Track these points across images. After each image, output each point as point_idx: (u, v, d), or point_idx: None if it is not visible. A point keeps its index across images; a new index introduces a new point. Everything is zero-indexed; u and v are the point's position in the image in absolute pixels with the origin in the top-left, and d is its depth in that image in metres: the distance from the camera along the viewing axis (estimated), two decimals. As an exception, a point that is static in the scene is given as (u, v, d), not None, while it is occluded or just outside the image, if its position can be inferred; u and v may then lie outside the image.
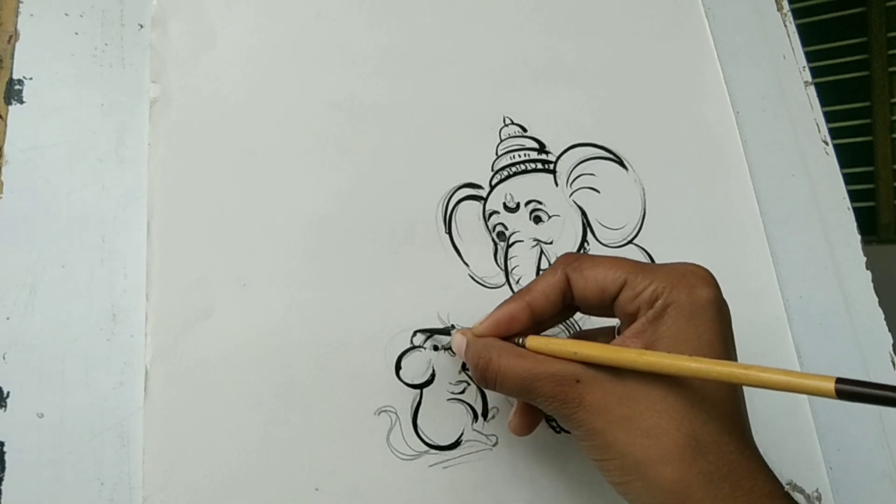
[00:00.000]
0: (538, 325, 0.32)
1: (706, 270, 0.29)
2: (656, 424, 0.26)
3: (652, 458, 0.26)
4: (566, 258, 0.31)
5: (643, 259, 0.41)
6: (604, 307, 0.30)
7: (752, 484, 0.26)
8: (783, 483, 0.28)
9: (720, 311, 0.28)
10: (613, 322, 0.32)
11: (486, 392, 0.36)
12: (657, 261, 0.41)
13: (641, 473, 0.26)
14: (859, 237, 0.45)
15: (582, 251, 0.40)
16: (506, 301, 0.32)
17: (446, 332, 0.36)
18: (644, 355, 0.26)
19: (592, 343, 0.28)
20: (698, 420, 0.26)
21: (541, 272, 0.39)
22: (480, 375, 0.31)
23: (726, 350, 0.28)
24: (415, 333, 0.36)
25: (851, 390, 0.22)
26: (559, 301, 0.31)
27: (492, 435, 0.35)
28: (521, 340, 0.31)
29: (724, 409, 0.27)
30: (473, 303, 0.37)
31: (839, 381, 0.22)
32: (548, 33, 0.44)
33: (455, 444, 0.35)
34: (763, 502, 0.26)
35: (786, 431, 0.39)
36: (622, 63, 0.45)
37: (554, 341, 0.29)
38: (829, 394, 0.22)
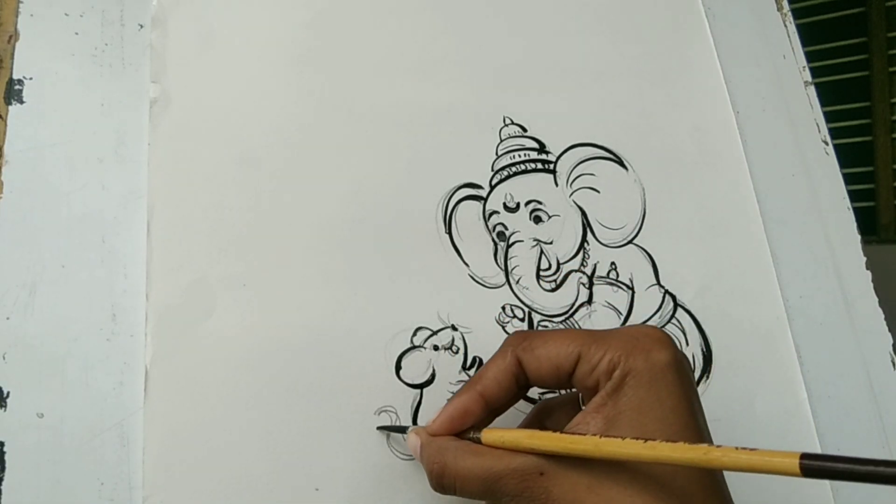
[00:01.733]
0: (494, 412, 0.31)
1: (661, 332, 0.28)
2: None
3: None
4: (515, 338, 0.30)
5: (644, 259, 0.41)
6: (561, 384, 0.29)
7: None
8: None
9: (680, 373, 0.27)
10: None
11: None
12: (658, 262, 0.41)
13: None
14: (859, 237, 0.45)
15: (582, 251, 0.40)
16: (458, 393, 0.30)
17: (401, 430, 0.34)
18: (601, 445, 0.25)
19: (548, 433, 0.27)
20: (671, 501, 0.25)
21: (541, 273, 0.39)
22: (437, 483, 0.29)
23: (692, 415, 0.27)
24: (415, 332, 0.36)
25: (817, 466, 0.20)
26: (513, 386, 0.30)
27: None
28: (475, 435, 0.29)
29: (695, 487, 0.26)
30: (473, 303, 0.37)
31: (804, 456, 0.21)
32: (548, 33, 0.44)
33: (455, 444, 0.35)
34: None
35: (786, 431, 0.39)
36: (622, 63, 0.45)
37: (509, 434, 0.28)
38: (793, 472, 0.21)
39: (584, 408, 0.28)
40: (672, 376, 0.27)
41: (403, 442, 0.34)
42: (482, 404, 0.30)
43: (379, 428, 0.34)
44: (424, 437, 0.30)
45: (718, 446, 0.23)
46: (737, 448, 0.22)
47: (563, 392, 0.35)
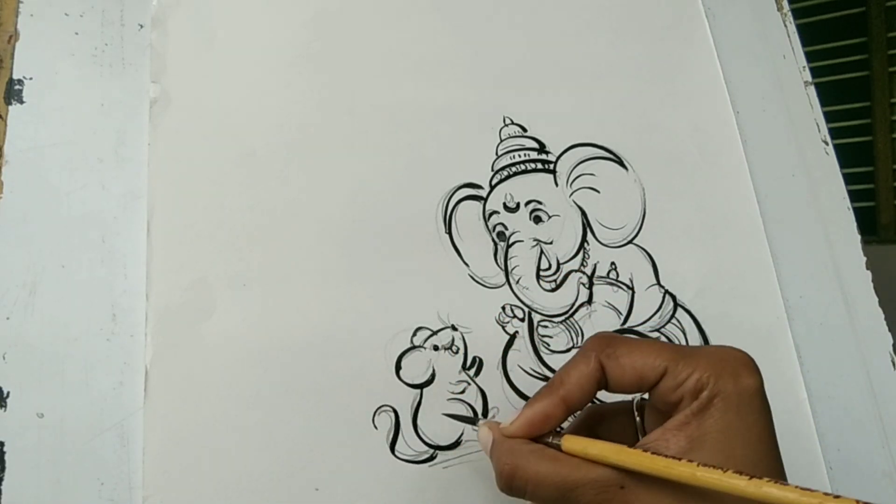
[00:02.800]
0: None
1: (748, 356, 0.28)
2: None
3: None
4: (598, 342, 0.29)
5: (644, 259, 0.41)
6: (639, 394, 0.29)
7: None
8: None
9: (764, 402, 0.27)
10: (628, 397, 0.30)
11: (487, 392, 0.36)
12: (658, 262, 0.41)
13: None
14: (859, 237, 0.45)
15: (582, 251, 0.40)
16: (538, 396, 0.29)
17: (472, 421, 0.33)
18: (699, 474, 0.24)
19: (637, 452, 0.26)
20: None
21: (541, 273, 0.39)
22: (506, 484, 0.28)
23: (774, 445, 0.27)
24: (415, 332, 0.36)
25: None
26: (594, 392, 0.29)
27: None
28: (554, 441, 0.29)
29: None
30: (473, 303, 0.37)
31: None
32: (548, 33, 0.44)
33: (455, 444, 0.35)
34: None
35: (786, 431, 0.39)
36: (622, 63, 0.45)
37: (594, 445, 0.27)
38: None
39: (658, 423, 0.27)
40: (759, 403, 0.27)
41: (403, 442, 0.34)
42: (563, 409, 0.29)
43: (446, 414, 0.34)
44: (497, 434, 0.30)
45: (836, 496, 0.22)
46: (857, 502, 0.22)
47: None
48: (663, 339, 0.39)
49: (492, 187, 0.40)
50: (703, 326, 0.40)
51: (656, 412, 0.29)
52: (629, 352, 0.29)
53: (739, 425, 0.26)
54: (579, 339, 0.38)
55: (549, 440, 0.29)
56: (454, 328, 0.37)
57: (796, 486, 0.23)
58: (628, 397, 0.31)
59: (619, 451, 0.26)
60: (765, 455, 0.26)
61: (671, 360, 0.27)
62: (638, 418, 0.31)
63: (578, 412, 0.32)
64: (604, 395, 0.30)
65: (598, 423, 0.32)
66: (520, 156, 0.41)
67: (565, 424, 0.30)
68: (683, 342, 0.39)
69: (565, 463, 0.27)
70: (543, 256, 0.39)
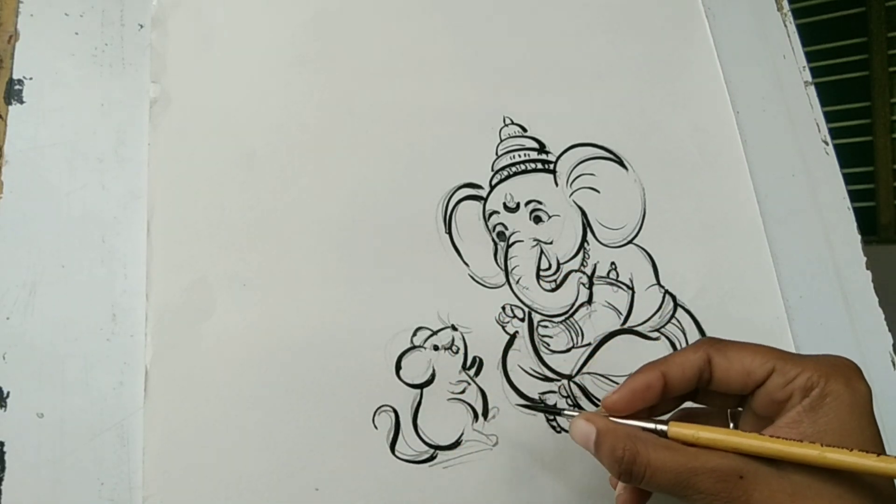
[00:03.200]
0: (653, 407, 0.30)
1: (856, 365, 0.28)
2: None
3: None
4: (708, 339, 0.30)
5: (644, 259, 0.41)
6: (741, 392, 0.29)
7: None
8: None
9: (872, 406, 0.27)
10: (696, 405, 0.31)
11: (487, 392, 0.36)
12: (658, 262, 0.41)
13: None
14: (859, 237, 0.45)
15: (582, 251, 0.40)
16: (640, 370, 0.30)
17: (557, 411, 0.33)
18: (826, 453, 0.25)
19: (754, 435, 0.26)
20: None
21: (541, 273, 0.39)
22: (626, 469, 0.28)
23: (883, 448, 0.27)
24: (415, 332, 0.36)
25: None
26: (694, 379, 0.29)
27: (492, 435, 0.35)
28: (658, 428, 0.29)
29: None
30: (473, 303, 0.37)
31: None
32: (548, 33, 0.44)
33: (455, 444, 0.35)
34: None
35: (786, 431, 0.39)
36: (622, 63, 0.45)
37: (706, 429, 0.27)
38: None
39: (774, 424, 0.28)
40: (870, 408, 0.27)
41: (403, 442, 0.34)
42: (663, 384, 0.29)
43: (527, 406, 0.34)
44: (604, 424, 0.29)
45: None
46: None
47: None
48: (664, 339, 0.39)
49: (492, 187, 0.40)
50: (703, 326, 0.40)
51: (755, 418, 0.29)
52: (738, 349, 0.29)
53: (854, 426, 0.26)
54: (579, 338, 0.38)
55: (656, 427, 0.29)
56: (454, 328, 0.37)
57: None
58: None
59: (736, 435, 0.27)
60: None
61: (779, 360, 0.28)
62: (731, 424, 0.30)
63: (671, 414, 0.32)
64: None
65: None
66: (520, 156, 0.41)
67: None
68: (683, 342, 0.39)
69: (684, 452, 0.27)
70: (543, 256, 0.39)
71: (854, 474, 0.26)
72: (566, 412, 0.32)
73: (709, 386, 0.30)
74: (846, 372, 0.27)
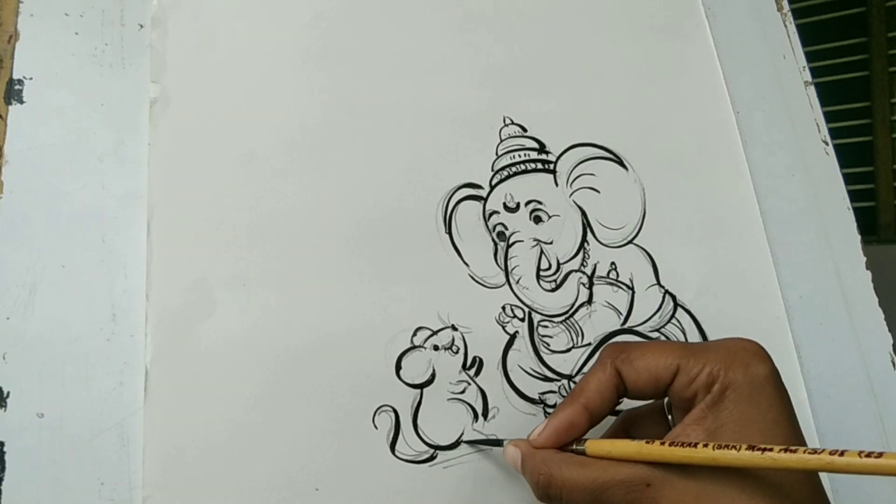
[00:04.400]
0: (593, 423, 0.31)
1: (758, 345, 0.29)
2: None
3: None
4: (612, 350, 0.31)
5: (644, 259, 0.41)
6: (658, 395, 0.30)
7: None
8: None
9: (778, 387, 0.28)
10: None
11: (487, 392, 0.36)
12: (658, 262, 0.41)
13: None
14: (859, 237, 0.45)
15: (582, 251, 0.40)
16: (561, 406, 0.31)
17: (497, 443, 0.34)
18: (717, 457, 0.25)
19: (657, 445, 0.27)
20: None
21: (541, 273, 0.39)
22: (543, 493, 0.29)
23: (792, 426, 0.27)
24: (415, 332, 0.36)
25: None
26: (614, 398, 0.30)
27: (492, 435, 0.35)
28: (579, 447, 0.30)
29: (803, 494, 0.26)
30: (473, 303, 0.37)
31: None
32: (548, 33, 0.44)
33: (455, 444, 0.35)
34: None
35: (786, 431, 0.39)
36: (622, 63, 0.45)
37: (618, 444, 0.28)
38: None
39: (681, 420, 0.28)
40: (771, 389, 0.27)
41: (403, 442, 0.34)
42: (587, 417, 0.30)
43: (466, 442, 0.35)
44: (526, 449, 0.31)
45: (840, 452, 0.23)
46: (860, 454, 0.23)
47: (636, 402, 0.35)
48: (663, 339, 0.39)
49: (492, 187, 0.40)
50: (703, 326, 0.40)
51: (678, 411, 0.30)
52: (642, 355, 0.29)
53: (754, 413, 0.27)
54: (579, 339, 0.38)
55: (575, 447, 0.30)
56: (454, 328, 0.37)
57: (805, 449, 0.24)
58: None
59: (641, 447, 0.27)
60: (784, 440, 0.27)
61: (682, 358, 0.28)
62: (670, 417, 0.31)
63: (616, 419, 0.33)
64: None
65: (632, 426, 0.32)
66: (520, 156, 0.41)
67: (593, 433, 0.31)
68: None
69: (593, 467, 0.28)
70: (543, 256, 0.39)
71: (753, 470, 0.26)
72: (505, 442, 0.33)
73: (628, 396, 0.30)
74: (745, 357, 0.28)
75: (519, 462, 0.31)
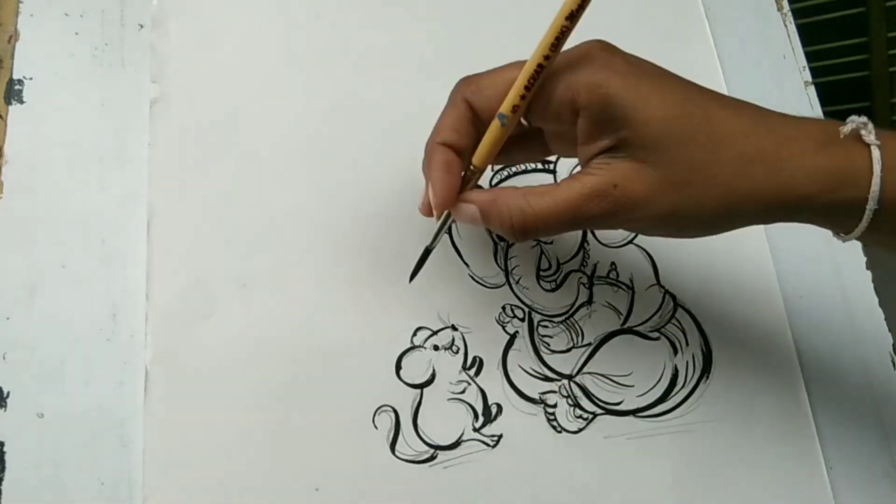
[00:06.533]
0: (491, 156, 0.30)
1: (602, 41, 0.30)
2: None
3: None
4: (460, 85, 0.30)
5: (644, 259, 0.41)
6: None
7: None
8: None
9: (607, 46, 0.30)
10: None
11: (487, 392, 0.36)
12: (658, 262, 0.41)
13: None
14: (859, 237, 0.45)
15: (582, 251, 0.40)
16: (427, 162, 0.30)
17: (427, 252, 0.34)
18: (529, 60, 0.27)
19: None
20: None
21: (541, 273, 0.39)
22: (519, 230, 0.28)
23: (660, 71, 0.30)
24: (415, 332, 0.36)
25: None
26: (470, 129, 0.29)
27: (492, 435, 0.35)
28: (475, 183, 0.30)
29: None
30: (473, 303, 0.37)
31: None
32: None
33: (455, 444, 0.35)
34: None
35: (786, 431, 0.39)
36: (622, 63, 0.45)
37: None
38: None
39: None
40: (605, 51, 0.29)
41: (404, 442, 0.34)
42: (453, 155, 0.29)
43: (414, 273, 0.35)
44: (481, 199, 0.29)
45: None
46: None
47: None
48: (664, 339, 0.39)
49: (492, 187, 0.40)
50: (703, 326, 0.40)
51: (548, 125, 0.30)
52: (490, 80, 0.29)
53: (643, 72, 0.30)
54: (579, 339, 0.38)
55: (471, 185, 0.30)
56: (454, 328, 0.37)
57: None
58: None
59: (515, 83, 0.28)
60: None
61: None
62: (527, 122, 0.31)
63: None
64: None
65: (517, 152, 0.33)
66: (520, 156, 0.41)
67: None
68: (684, 342, 0.39)
69: (559, 189, 0.28)
70: (543, 256, 0.39)
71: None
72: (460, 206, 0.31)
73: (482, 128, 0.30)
74: (593, 51, 0.29)
75: (478, 215, 0.29)
